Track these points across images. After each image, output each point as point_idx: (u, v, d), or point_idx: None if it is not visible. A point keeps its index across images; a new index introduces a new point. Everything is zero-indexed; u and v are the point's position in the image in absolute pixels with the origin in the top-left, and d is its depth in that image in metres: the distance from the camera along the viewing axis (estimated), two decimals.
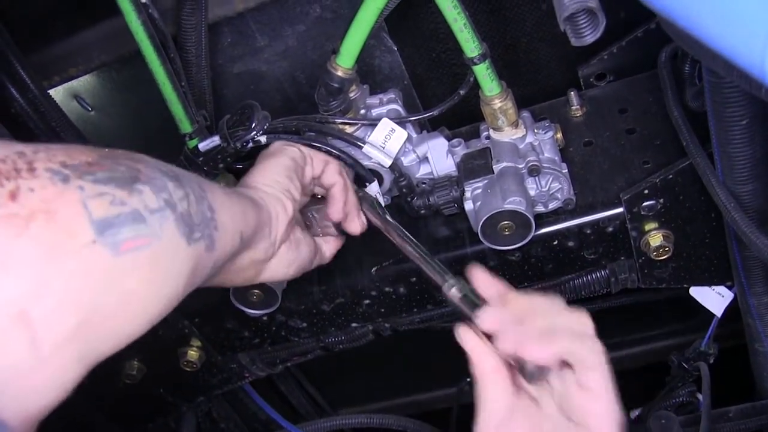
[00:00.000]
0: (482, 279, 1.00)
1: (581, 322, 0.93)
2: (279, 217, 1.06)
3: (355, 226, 1.22)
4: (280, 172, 1.11)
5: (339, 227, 1.24)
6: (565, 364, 0.90)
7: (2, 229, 0.62)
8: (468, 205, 1.28)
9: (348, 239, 1.39)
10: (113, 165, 0.75)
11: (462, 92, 1.30)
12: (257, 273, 1.10)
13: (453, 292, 1.00)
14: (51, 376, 0.65)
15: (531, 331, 0.89)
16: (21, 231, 0.63)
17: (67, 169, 0.69)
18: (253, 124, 1.31)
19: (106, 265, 0.68)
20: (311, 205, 1.26)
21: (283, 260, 1.11)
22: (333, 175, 1.20)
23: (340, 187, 1.20)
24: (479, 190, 1.28)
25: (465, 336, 0.95)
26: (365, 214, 1.23)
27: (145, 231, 0.73)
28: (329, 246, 1.27)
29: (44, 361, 0.63)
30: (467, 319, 0.97)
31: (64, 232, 0.66)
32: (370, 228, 1.39)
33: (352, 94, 1.37)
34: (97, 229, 0.68)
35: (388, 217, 1.21)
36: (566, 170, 1.30)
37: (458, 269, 1.34)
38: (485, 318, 0.93)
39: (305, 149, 1.19)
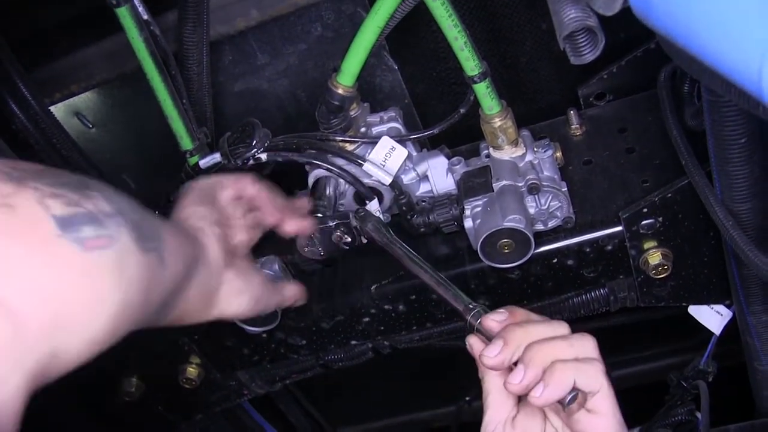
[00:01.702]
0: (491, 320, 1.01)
1: (585, 347, 0.94)
2: (208, 241, 1.05)
3: (291, 226, 1.23)
4: (192, 202, 1.11)
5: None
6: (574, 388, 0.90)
7: None
8: (468, 223, 1.29)
9: (348, 257, 1.40)
10: (62, 173, 0.74)
11: (462, 110, 1.30)
12: (209, 304, 1.07)
13: (473, 319, 1.01)
14: (37, 360, 0.64)
15: (538, 367, 0.90)
16: None
17: (17, 172, 0.68)
18: (254, 142, 1.32)
19: (74, 260, 0.67)
20: None
21: (232, 288, 1.09)
22: (250, 187, 1.21)
23: (264, 194, 1.21)
24: (479, 208, 1.28)
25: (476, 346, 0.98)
26: (370, 236, 1.23)
27: (104, 232, 0.72)
28: (293, 287, 1.27)
29: (31, 343, 0.63)
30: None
31: (28, 224, 0.65)
32: (369, 246, 1.39)
33: (352, 112, 1.37)
34: (59, 224, 0.67)
35: (394, 237, 1.21)
36: (566, 189, 1.30)
37: (459, 287, 1.35)
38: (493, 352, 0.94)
39: (213, 177, 1.20)
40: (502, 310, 1.00)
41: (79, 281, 0.68)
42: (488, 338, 0.97)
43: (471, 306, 1.03)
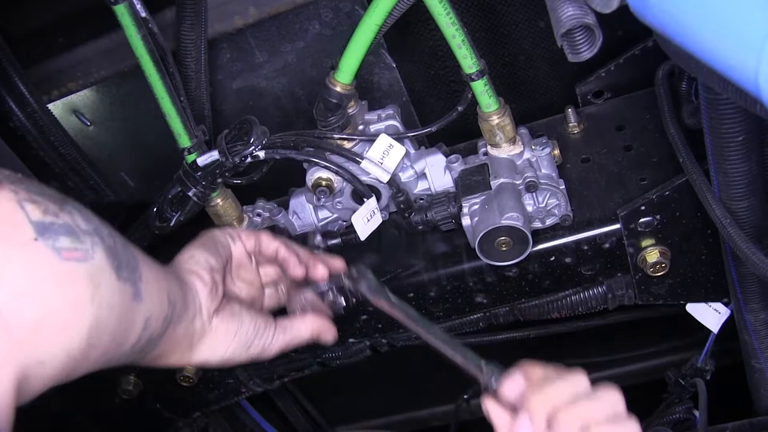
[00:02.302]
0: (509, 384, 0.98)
1: (613, 403, 0.93)
2: (196, 286, 1.04)
3: (319, 271, 1.20)
4: (194, 248, 1.10)
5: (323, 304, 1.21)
6: None
7: None
8: (465, 221, 1.29)
9: (346, 253, 1.39)
10: (40, 185, 0.74)
11: (460, 108, 1.30)
12: (191, 346, 1.05)
13: (491, 381, 0.98)
14: (24, 363, 0.64)
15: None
16: None
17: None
18: (252, 140, 1.32)
19: (52, 267, 0.67)
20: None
21: (221, 332, 1.06)
22: (269, 243, 1.19)
23: (284, 248, 1.19)
24: (477, 206, 1.28)
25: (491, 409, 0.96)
26: (365, 297, 1.16)
27: (80, 246, 0.72)
28: (306, 323, 1.18)
29: (18, 345, 0.63)
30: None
31: (7, 224, 0.65)
32: (366, 244, 1.39)
33: (350, 110, 1.37)
34: (36, 229, 0.67)
35: (393, 297, 1.14)
36: (563, 186, 1.30)
37: (456, 285, 1.35)
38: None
39: (230, 229, 1.18)
40: (516, 373, 0.97)
41: (57, 288, 0.68)
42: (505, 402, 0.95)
43: (484, 368, 0.99)
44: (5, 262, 0.63)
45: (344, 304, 1.21)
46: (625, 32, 1.44)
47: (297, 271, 1.18)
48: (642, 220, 1.26)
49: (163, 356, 1.00)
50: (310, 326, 1.17)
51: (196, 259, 1.07)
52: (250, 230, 1.22)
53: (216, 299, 1.06)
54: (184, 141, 1.37)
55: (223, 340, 1.07)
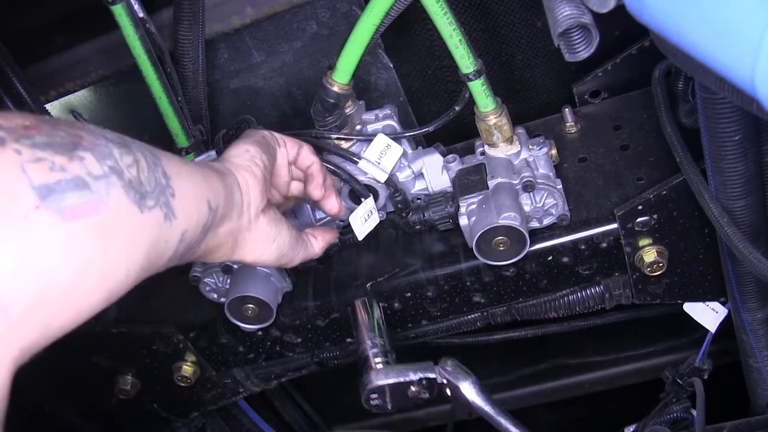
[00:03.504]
0: None
1: None
2: (248, 182, 1.04)
3: (333, 203, 1.26)
4: (249, 143, 1.10)
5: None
6: None
7: None
8: (463, 221, 1.29)
9: (345, 256, 1.40)
10: (51, 130, 0.70)
11: (457, 108, 1.30)
12: (234, 245, 1.06)
13: None
14: (18, 344, 0.63)
15: None
16: None
17: (2, 131, 0.66)
18: None
19: (55, 233, 0.65)
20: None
21: (262, 234, 1.08)
22: (308, 156, 1.22)
23: (318, 166, 1.23)
24: (474, 206, 1.28)
25: None
26: (464, 400, 1.08)
27: (90, 197, 0.69)
28: (318, 240, 1.25)
29: (13, 326, 0.62)
30: None
31: (6, 196, 0.63)
32: (364, 242, 1.39)
33: (348, 110, 1.37)
34: (39, 194, 0.65)
35: (496, 404, 1.08)
36: (561, 186, 1.30)
37: (454, 284, 1.35)
38: None
39: (277, 133, 1.19)
40: None
41: (60, 255, 0.66)
42: None
43: None
44: (2, 241, 0.61)
45: (427, 396, 1.13)
46: (622, 32, 1.44)
47: (316, 192, 1.23)
48: (639, 219, 1.27)
49: (205, 256, 1.01)
50: (322, 244, 1.25)
51: (251, 154, 1.08)
52: (295, 139, 1.22)
53: (264, 199, 1.07)
54: (182, 141, 1.37)
55: (261, 242, 1.09)
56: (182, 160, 0.92)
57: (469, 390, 1.07)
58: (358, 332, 1.22)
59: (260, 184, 1.06)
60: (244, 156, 1.07)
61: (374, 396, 1.13)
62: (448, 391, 1.10)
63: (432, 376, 1.10)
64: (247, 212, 1.04)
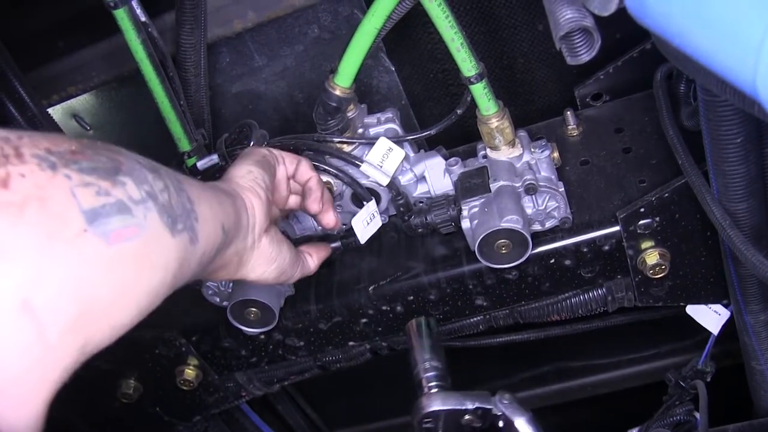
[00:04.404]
0: None
1: None
2: (254, 204, 1.06)
3: (330, 218, 1.27)
4: (251, 164, 1.12)
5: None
6: None
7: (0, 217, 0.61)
8: (465, 224, 1.29)
9: (347, 259, 1.40)
10: (95, 155, 0.73)
11: (459, 111, 1.30)
12: (239, 264, 1.08)
13: None
14: (57, 365, 0.64)
15: None
16: (17, 219, 0.61)
17: (53, 156, 0.67)
18: (252, 143, 1.32)
19: (99, 255, 0.67)
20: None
21: (264, 253, 1.10)
22: (307, 171, 1.24)
23: (316, 180, 1.25)
24: (476, 209, 1.28)
25: None
26: None
27: (131, 221, 0.72)
28: (314, 257, 1.28)
29: (51, 349, 0.63)
30: None
31: (57, 220, 0.64)
32: (367, 245, 1.39)
33: (350, 114, 1.37)
34: (87, 218, 0.67)
35: None
36: (563, 189, 1.30)
37: (456, 288, 1.35)
38: None
39: (275, 150, 1.21)
40: None
41: (103, 277, 0.68)
42: None
43: None
44: (51, 263, 0.63)
45: (479, 426, 1.11)
46: (624, 35, 1.44)
47: (314, 206, 1.25)
48: (641, 222, 1.27)
49: (211, 275, 1.04)
50: (317, 261, 1.27)
51: (254, 176, 1.10)
52: (293, 155, 1.24)
53: (267, 219, 1.09)
54: (184, 145, 1.37)
55: (264, 261, 1.11)
56: (201, 184, 0.95)
57: (524, 427, 1.07)
58: (413, 353, 1.23)
59: (264, 206, 1.08)
60: (247, 177, 1.09)
61: (427, 420, 1.13)
62: (500, 423, 1.09)
63: (489, 407, 1.09)
64: (252, 233, 1.06)
